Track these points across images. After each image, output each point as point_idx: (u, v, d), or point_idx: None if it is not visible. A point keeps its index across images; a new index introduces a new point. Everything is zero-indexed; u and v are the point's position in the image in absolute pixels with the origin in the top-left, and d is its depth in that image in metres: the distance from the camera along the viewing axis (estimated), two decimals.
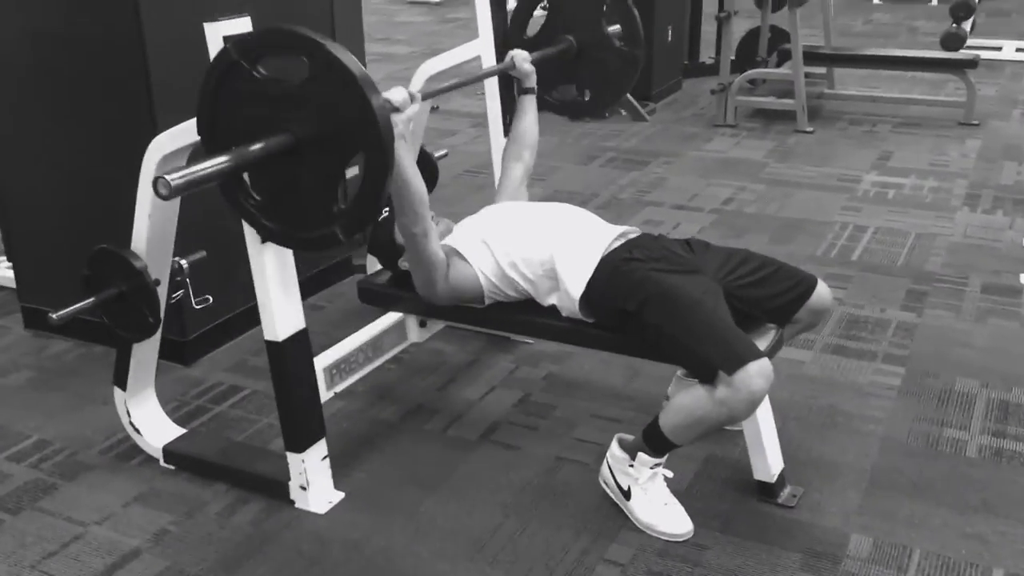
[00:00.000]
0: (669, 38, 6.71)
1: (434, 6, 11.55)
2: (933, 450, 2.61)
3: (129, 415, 2.58)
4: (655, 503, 2.30)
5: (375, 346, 2.68)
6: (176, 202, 2.39)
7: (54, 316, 2.27)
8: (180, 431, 2.63)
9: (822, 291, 2.47)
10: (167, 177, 1.69)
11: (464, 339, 3.18)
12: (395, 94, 2.20)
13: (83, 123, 2.98)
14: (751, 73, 6.20)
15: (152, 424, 2.60)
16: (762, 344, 2.30)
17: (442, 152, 3.53)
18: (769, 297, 2.40)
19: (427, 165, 3.39)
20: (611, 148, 5.61)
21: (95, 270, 2.38)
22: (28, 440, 2.71)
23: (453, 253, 2.45)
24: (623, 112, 6.26)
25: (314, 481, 2.38)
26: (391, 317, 2.77)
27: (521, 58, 2.77)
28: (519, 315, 2.47)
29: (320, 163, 1.90)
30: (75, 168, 3.05)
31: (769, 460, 2.38)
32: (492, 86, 3.05)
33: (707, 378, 2.15)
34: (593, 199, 4.71)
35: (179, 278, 2.49)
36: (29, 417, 2.82)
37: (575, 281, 2.35)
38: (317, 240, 1.98)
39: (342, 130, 1.85)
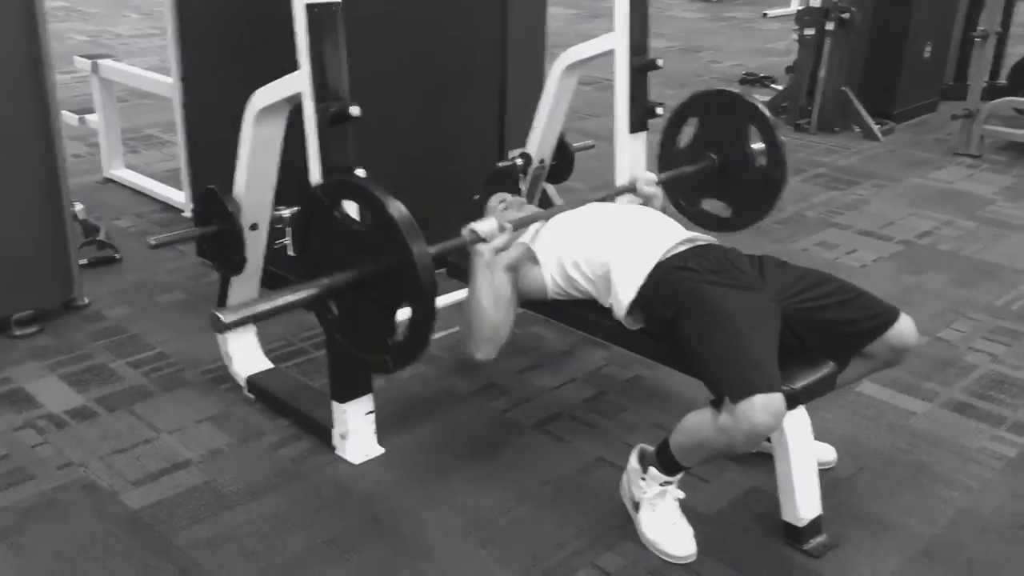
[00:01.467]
0: (926, 55, 6.23)
1: (712, 4, 11.33)
2: (1015, 533, 2.32)
3: (226, 343, 2.84)
4: (662, 521, 2.23)
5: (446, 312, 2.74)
6: (275, 155, 2.59)
7: (152, 241, 2.55)
8: (268, 366, 2.85)
9: (903, 327, 2.27)
10: (219, 314, 1.88)
11: (565, 329, 3.19)
12: (483, 225, 2.27)
13: (247, 74, 3.26)
14: (1004, 101, 5.63)
15: (243, 355, 2.84)
16: (802, 379, 2.16)
17: (586, 143, 3.54)
18: (839, 322, 2.24)
19: (564, 154, 3.42)
20: (824, 164, 5.32)
21: (203, 207, 2.64)
22: (151, 351, 3.05)
23: (528, 257, 2.46)
24: (856, 128, 5.90)
25: (353, 432, 2.51)
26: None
27: (644, 181, 2.71)
28: (578, 310, 2.48)
29: (379, 299, 2.04)
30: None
31: (799, 502, 2.22)
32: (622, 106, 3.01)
33: (717, 401, 2.05)
34: (776, 214, 4.50)
35: (279, 226, 2.69)
36: (163, 331, 3.17)
37: (627, 287, 2.31)
38: (374, 364, 2.13)
39: (391, 275, 1.98)
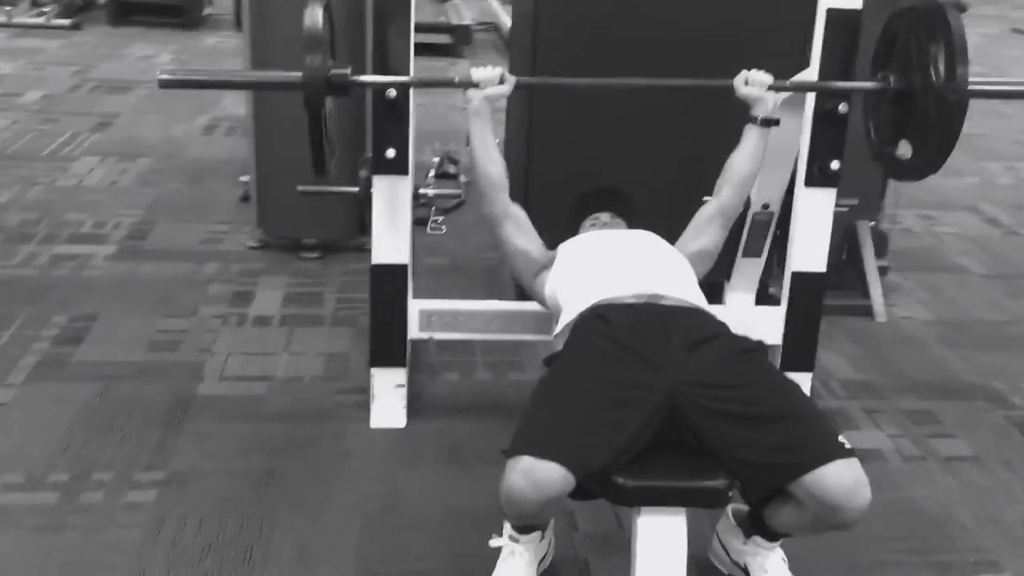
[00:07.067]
0: None
1: None
2: None
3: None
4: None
5: (494, 319, 2.67)
6: None
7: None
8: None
9: (832, 476, 1.70)
10: (160, 72, 2.16)
11: None
12: (481, 72, 2.20)
13: None
14: None
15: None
16: (656, 478, 1.78)
17: None
18: (737, 444, 1.77)
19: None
20: None
21: None
22: (356, 299, 3.37)
23: (552, 260, 2.30)
24: None
25: (379, 397, 2.64)
26: None
27: (744, 79, 2.25)
28: None
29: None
30: None
31: None
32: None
33: None
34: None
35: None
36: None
37: (560, 322, 2.11)
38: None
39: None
